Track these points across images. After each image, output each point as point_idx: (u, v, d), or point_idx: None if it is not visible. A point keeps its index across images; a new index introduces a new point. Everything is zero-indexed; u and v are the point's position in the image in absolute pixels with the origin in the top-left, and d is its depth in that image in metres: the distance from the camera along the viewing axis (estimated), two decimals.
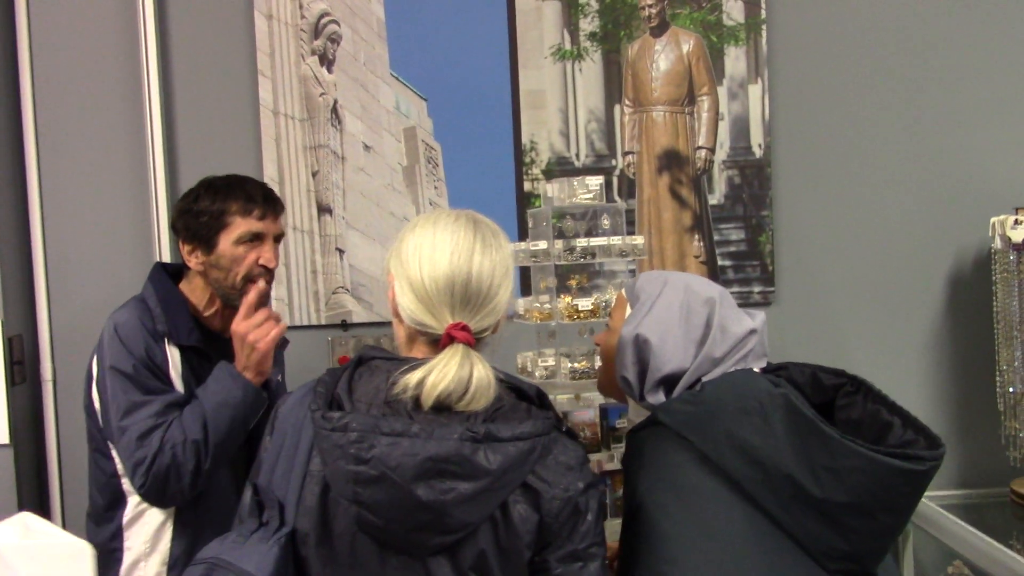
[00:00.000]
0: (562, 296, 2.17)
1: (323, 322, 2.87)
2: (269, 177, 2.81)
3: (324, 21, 2.82)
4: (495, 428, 1.38)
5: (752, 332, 1.65)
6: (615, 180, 2.89)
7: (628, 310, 1.73)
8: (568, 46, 2.87)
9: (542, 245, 2.17)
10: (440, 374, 1.40)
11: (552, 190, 2.25)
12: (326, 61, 2.83)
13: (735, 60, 2.89)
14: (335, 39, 2.82)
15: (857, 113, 2.94)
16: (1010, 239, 2.69)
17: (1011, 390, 2.75)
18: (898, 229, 2.96)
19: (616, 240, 2.14)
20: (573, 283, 2.17)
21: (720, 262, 2.91)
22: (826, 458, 1.44)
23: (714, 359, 1.62)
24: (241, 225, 2.09)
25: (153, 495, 2.00)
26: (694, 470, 1.52)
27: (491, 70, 2.86)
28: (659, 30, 2.88)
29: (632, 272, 2.60)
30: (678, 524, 1.49)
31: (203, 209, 2.09)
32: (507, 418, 1.44)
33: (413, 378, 1.40)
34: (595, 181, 2.16)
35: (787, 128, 2.92)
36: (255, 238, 2.11)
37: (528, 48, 2.86)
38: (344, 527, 1.42)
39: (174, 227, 2.16)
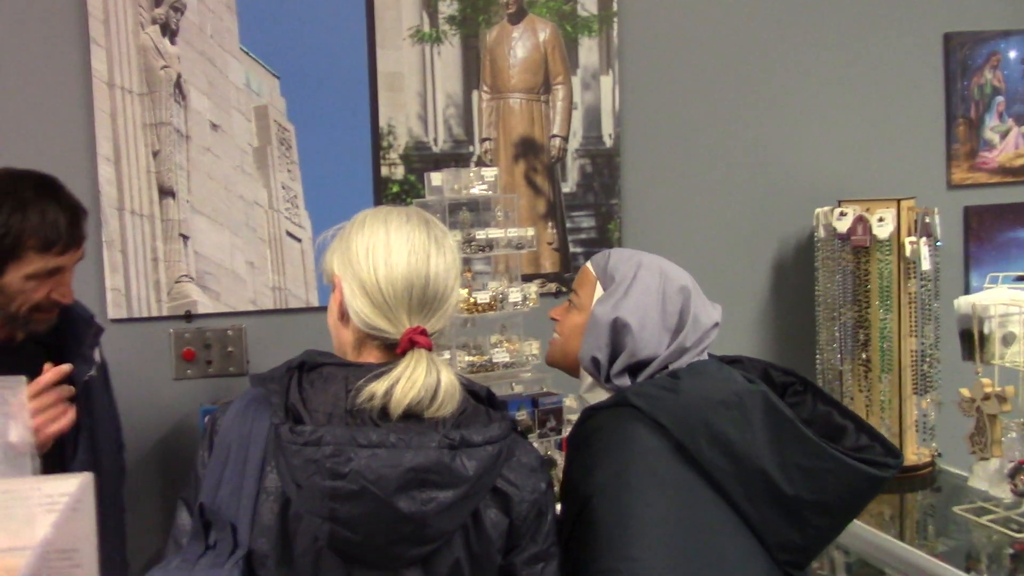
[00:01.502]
0: None
1: (164, 313, 2.67)
2: (103, 155, 2.57)
3: None
4: (467, 433, 1.36)
5: (716, 325, 1.70)
6: (472, 166, 2.87)
7: (599, 289, 1.73)
8: (427, 28, 2.81)
9: None
10: (409, 382, 1.36)
11: (440, 179, 2.21)
12: (168, 31, 2.61)
13: (588, 51, 2.95)
14: (178, 8, 2.61)
15: (699, 108, 3.09)
16: (835, 229, 2.93)
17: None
18: (732, 218, 3.15)
19: (513, 232, 2.14)
20: (468, 276, 2.14)
21: (572, 249, 2.98)
22: (800, 457, 1.51)
23: (684, 348, 1.65)
24: (37, 262, 1.80)
25: None
26: (669, 456, 1.53)
27: (348, 49, 2.75)
28: (517, 17, 2.88)
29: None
30: (652, 509, 1.49)
31: None
32: (472, 422, 1.41)
33: (380, 387, 1.35)
34: (491, 172, 2.15)
35: (635, 120, 3.02)
36: (52, 272, 1.83)
37: (386, 28, 2.77)
38: (306, 545, 1.34)
39: None
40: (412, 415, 1.36)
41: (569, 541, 1.54)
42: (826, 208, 3.00)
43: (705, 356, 1.68)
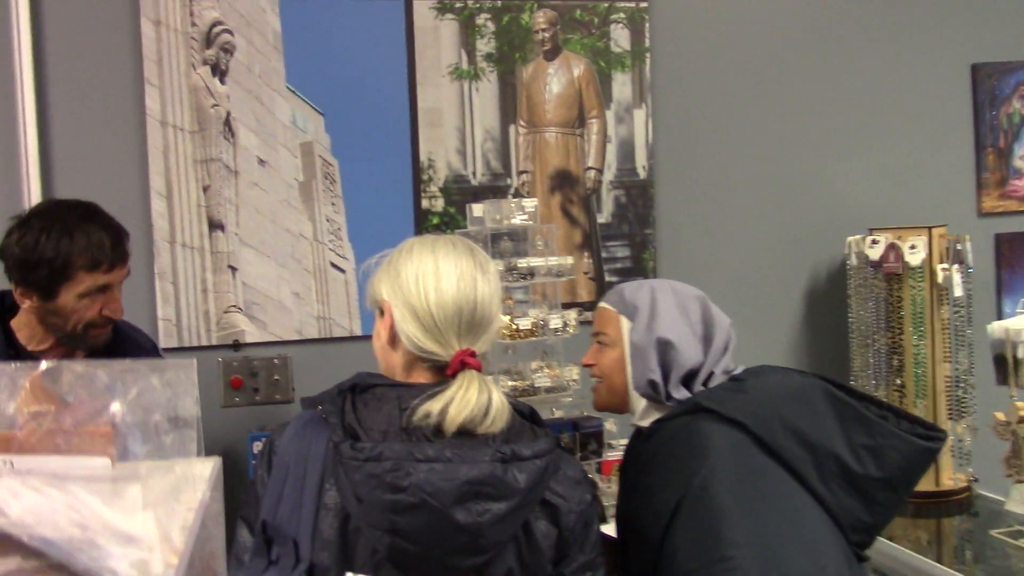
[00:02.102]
0: None
1: (214, 342, 2.75)
2: (156, 191, 2.67)
3: (216, 30, 2.72)
4: (518, 448, 1.42)
5: (731, 325, 1.81)
6: (509, 199, 2.95)
7: (624, 321, 1.81)
8: (465, 66, 2.91)
9: None
10: (463, 402, 1.42)
11: (481, 210, 2.29)
12: (219, 72, 2.72)
13: (622, 85, 3.03)
14: (228, 49, 2.72)
15: (731, 140, 3.16)
16: (867, 256, 2.97)
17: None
18: (765, 247, 3.20)
19: (553, 260, 2.21)
20: (511, 303, 2.21)
21: (607, 278, 3.04)
22: (865, 437, 1.62)
23: (720, 350, 1.76)
24: (86, 280, 1.92)
25: None
26: (755, 451, 1.62)
27: (389, 87, 2.85)
28: (552, 54, 2.97)
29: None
30: (749, 500, 1.56)
31: (43, 260, 1.88)
32: (520, 437, 1.47)
33: (435, 406, 1.41)
34: (531, 203, 2.22)
35: (668, 151, 3.10)
36: (101, 290, 1.95)
37: (426, 66, 2.87)
38: (366, 558, 1.40)
39: (4, 262, 1.94)
40: (464, 432, 1.43)
41: (661, 549, 1.59)
42: (858, 236, 3.05)
43: (732, 358, 1.79)
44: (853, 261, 3.06)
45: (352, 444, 1.38)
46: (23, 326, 2.01)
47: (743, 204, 3.18)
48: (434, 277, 1.49)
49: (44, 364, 0.78)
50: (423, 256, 1.52)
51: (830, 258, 3.24)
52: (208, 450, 2.78)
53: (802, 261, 3.25)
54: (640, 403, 1.81)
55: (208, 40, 2.71)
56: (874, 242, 2.96)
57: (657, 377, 1.74)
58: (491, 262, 1.58)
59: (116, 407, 0.75)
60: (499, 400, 1.45)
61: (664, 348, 1.74)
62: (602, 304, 1.89)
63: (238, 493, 2.64)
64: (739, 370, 1.77)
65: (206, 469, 0.73)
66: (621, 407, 1.88)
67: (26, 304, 1.95)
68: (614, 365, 1.82)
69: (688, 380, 1.74)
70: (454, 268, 1.50)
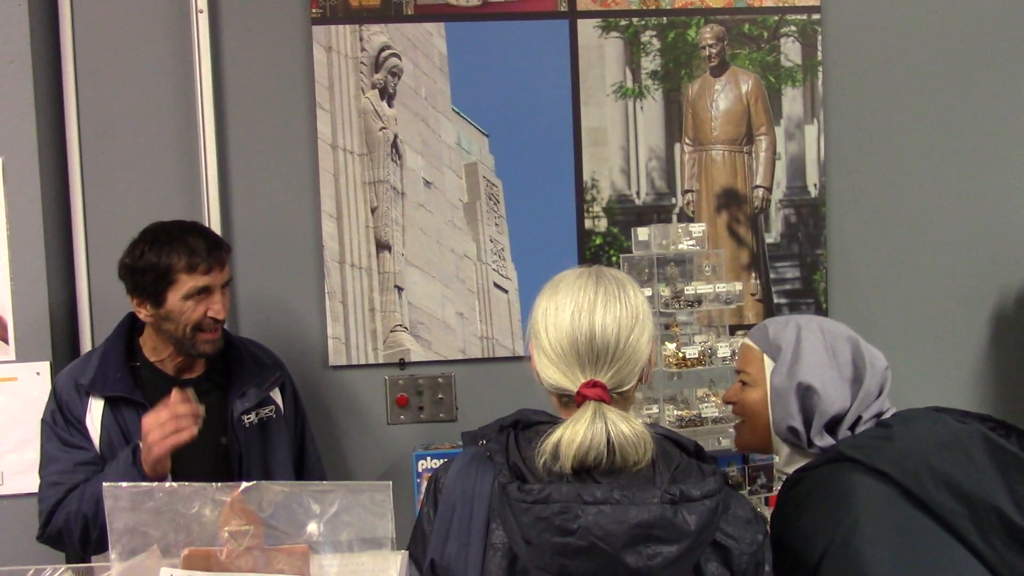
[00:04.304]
0: (665, 343, 2.16)
1: (380, 360, 2.81)
2: (327, 212, 2.75)
3: (385, 54, 2.77)
4: (686, 488, 1.37)
5: (887, 367, 1.70)
6: (674, 218, 2.89)
7: (767, 361, 1.74)
8: (630, 84, 2.87)
9: (647, 292, 2.15)
10: (571, 434, 1.40)
11: (647, 234, 2.24)
12: (386, 95, 2.78)
13: (792, 100, 2.92)
14: (396, 73, 2.78)
15: (908, 155, 2.99)
16: None
17: None
18: (946, 268, 3.02)
19: (721, 287, 2.14)
20: (676, 330, 2.15)
21: (776, 300, 2.93)
22: None
23: (871, 395, 1.66)
24: (187, 282, 2.12)
25: (50, 544, 2.14)
26: (902, 503, 1.51)
27: (553, 107, 2.84)
28: (719, 70, 2.89)
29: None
30: (892, 558, 1.47)
31: (147, 266, 2.12)
32: (687, 476, 1.43)
33: (550, 442, 1.40)
34: (698, 228, 2.17)
35: (841, 168, 2.96)
36: (203, 292, 2.14)
37: (590, 85, 2.85)
38: None
39: (122, 279, 2.17)
40: (617, 469, 1.39)
41: None
42: None
43: (888, 401, 1.67)
44: None
45: (519, 486, 1.37)
46: (147, 339, 2.24)
47: (921, 223, 3.00)
48: (554, 312, 1.50)
49: (244, 484, 0.80)
50: (550, 293, 1.54)
51: (1020, 280, 3.02)
52: (373, 467, 2.87)
53: (988, 284, 3.04)
54: (783, 448, 1.73)
55: (377, 64, 2.77)
56: None
57: (798, 424, 1.66)
58: (628, 288, 1.54)
59: (312, 527, 0.76)
60: (623, 431, 1.40)
61: (806, 394, 1.65)
62: (746, 341, 1.81)
63: (404, 512, 2.68)
64: (889, 414, 1.66)
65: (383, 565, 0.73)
66: (764, 448, 1.81)
67: (142, 314, 2.16)
68: (756, 406, 1.75)
69: (833, 426, 1.65)
70: (570, 301, 1.50)
